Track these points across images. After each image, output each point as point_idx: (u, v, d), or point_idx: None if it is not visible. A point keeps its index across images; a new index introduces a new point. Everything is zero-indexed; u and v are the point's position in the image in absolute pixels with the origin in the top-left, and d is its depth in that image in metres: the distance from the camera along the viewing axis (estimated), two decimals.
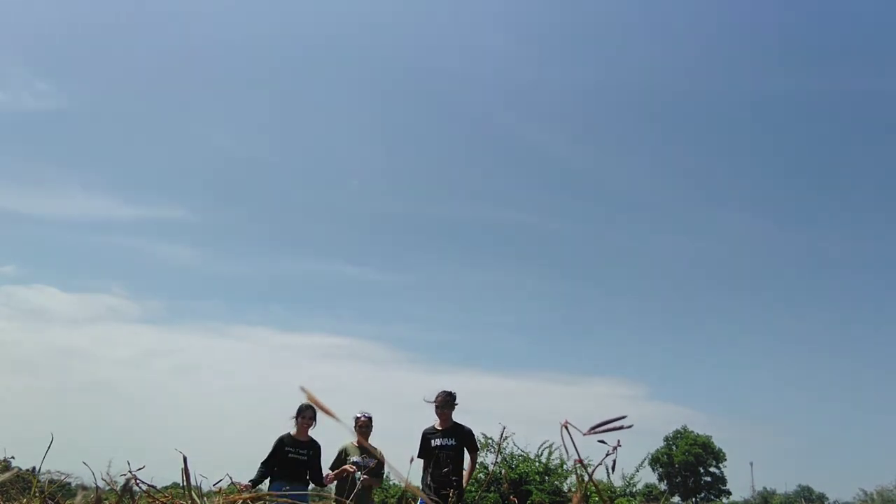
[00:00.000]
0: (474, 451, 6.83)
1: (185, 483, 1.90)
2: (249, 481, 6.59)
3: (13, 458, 3.60)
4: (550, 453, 14.46)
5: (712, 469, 44.28)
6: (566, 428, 0.70)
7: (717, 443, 43.93)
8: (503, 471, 13.98)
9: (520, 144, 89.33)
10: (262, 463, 6.88)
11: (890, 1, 75.67)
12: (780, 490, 51.89)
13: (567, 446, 0.77)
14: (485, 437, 13.84)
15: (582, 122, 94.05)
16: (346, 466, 7.00)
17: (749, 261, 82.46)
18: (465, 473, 6.75)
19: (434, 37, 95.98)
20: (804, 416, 68.63)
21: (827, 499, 47.30)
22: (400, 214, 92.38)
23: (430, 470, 6.68)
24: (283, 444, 6.91)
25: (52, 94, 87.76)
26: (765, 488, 52.43)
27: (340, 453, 7.18)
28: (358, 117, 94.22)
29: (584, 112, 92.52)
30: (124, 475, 2.07)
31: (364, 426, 7.25)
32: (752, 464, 52.67)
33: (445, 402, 6.79)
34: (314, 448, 7.02)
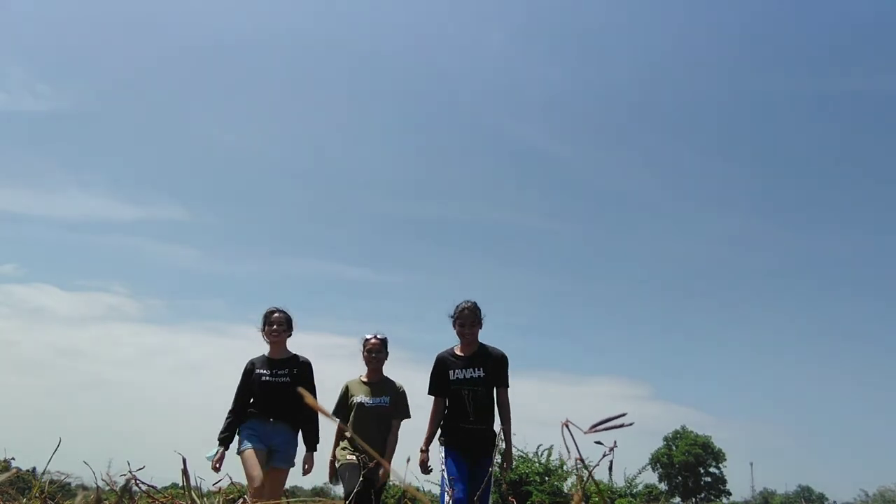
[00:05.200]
0: (504, 387, 4.61)
1: (185, 483, 1.90)
2: (218, 446, 4.64)
3: (13, 458, 3.60)
4: (550, 454, 14.44)
5: (712, 469, 44.23)
6: (567, 427, 0.69)
7: (717, 443, 43.93)
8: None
9: (520, 145, 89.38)
10: (233, 402, 4.77)
11: (888, 1, 75.67)
12: (780, 490, 51.89)
13: (568, 445, 0.77)
14: None
15: (581, 122, 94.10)
16: (339, 456, 4.84)
17: (749, 261, 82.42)
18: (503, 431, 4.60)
19: (435, 37, 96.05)
20: (804, 416, 68.67)
21: (827, 499, 47.29)
22: (400, 215, 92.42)
23: (447, 417, 4.60)
24: (252, 367, 4.82)
25: (52, 94, 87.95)
26: (765, 488, 52.43)
27: (343, 393, 5.07)
28: (359, 118, 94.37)
29: (583, 113, 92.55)
30: (124, 475, 2.06)
31: (374, 350, 5.04)
32: (752, 464, 52.71)
33: (473, 317, 4.67)
34: (299, 366, 4.85)
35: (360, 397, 4.92)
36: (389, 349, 5.18)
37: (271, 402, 4.68)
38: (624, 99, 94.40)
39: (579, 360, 79.47)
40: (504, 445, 4.67)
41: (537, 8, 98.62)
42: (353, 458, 4.69)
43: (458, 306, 4.70)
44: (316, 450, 4.83)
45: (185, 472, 1.80)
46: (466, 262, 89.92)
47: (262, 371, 4.78)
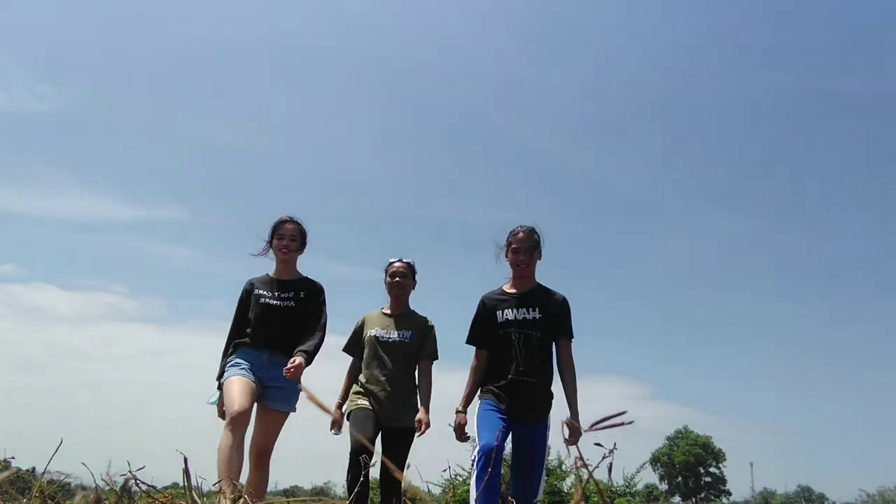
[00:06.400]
0: (569, 338, 3.69)
1: (185, 483, 1.90)
2: (217, 390, 3.77)
3: (13, 458, 3.59)
4: (549, 453, 14.47)
5: (712, 469, 44.25)
6: (567, 425, 0.69)
7: (718, 443, 43.94)
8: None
9: (519, 145, 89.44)
10: (229, 337, 3.85)
11: (886, 1, 75.72)
12: (780, 490, 51.83)
13: (568, 444, 0.77)
14: None
15: (581, 122, 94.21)
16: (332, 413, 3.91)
17: (749, 261, 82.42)
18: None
19: (435, 37, 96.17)
20: (804, 416, 68.59)
21: (827, 499, 47.23)
22: (400, 214, 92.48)
23: (488, 368, 3.65)
24: (251, 287, 3.90)
25: (52, 95, 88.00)
26: (765, 488, 52.38)
27: (359, 326, 4.20)
28: (358, 117, 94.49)
29: (582, 112, 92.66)
30: (124, 475, 2.06)
31: (398, 273, 4.13)
32: (752, 464, 52.60)
33: (530, 241, 3.67)
34: (307, 289, 3.89)
35: (376, 330, 4.01)
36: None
37: (269, 328, 3.74)
38: (624, 98, 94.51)
39: (579, 359, 78.79)
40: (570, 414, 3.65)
41: (538, 7, 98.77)
42: (367, 403, 3.86)
43: (512, 230, 3.73)
44: (308, 363, 3.64)
45: (186, 472, 1.81)
46: (466, 262, 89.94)
47: (262, 292, 3.84)
